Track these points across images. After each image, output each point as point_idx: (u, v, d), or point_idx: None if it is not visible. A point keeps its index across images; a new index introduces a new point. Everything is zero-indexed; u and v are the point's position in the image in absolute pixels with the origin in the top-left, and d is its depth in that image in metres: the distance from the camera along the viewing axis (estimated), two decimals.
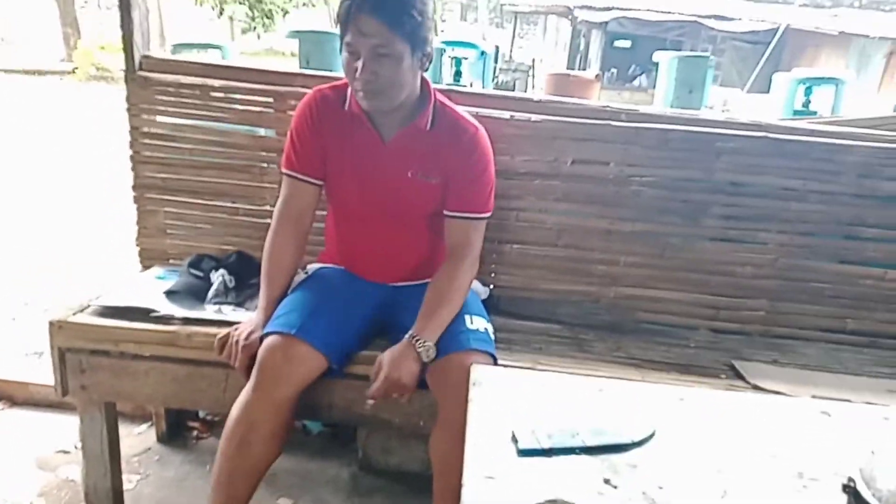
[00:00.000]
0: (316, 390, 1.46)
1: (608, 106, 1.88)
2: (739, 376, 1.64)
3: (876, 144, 1.80)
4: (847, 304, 1.89)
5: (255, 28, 14.76)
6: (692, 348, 1.80)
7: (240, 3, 13.93)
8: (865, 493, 0.84)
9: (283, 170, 1.56)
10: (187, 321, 1.58)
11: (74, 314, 1.58)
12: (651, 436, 1.09)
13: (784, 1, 11.72)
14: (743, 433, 1.13)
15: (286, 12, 14.29)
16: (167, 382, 1.58)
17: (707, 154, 1.80)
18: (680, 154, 1.80)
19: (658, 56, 4.47)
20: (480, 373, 1.28)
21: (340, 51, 1.40)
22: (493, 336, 1.50)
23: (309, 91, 1.57)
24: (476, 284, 1.73)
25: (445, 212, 1.53)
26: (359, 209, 1.57)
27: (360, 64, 1.34)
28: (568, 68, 14.31)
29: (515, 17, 15.29)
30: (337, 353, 1.43)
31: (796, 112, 4.09)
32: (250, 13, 14.16)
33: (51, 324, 1.55)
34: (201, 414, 2.14)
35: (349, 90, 1.48)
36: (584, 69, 13.54)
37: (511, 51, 14.98)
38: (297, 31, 3.16)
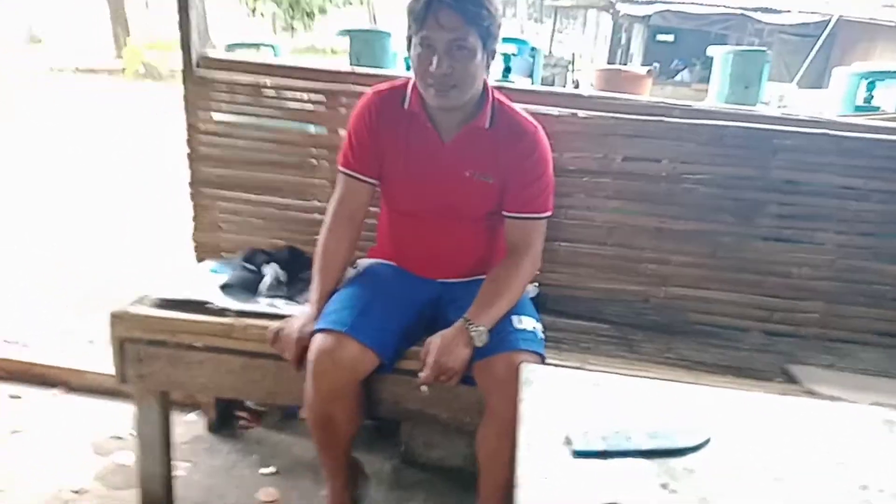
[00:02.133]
0: (365, 386, 1.48)
1: (661, 102, 1.85)
2: (794, 380, 1.60)
3: None
4: None
5: (293, 27, 14.94)
6: (745, 350, 1.76)
7: (278, 3, 14.13)
8: None
9: (340, 167, 1.58)
10: (241, 314, 1.62)
11: (133, 305, 1.64)
12: (707, 441, 1.08)
13: None
14: (801, 440, 1.11)
15: (324, 11, 14.43)
16: (221, 373, 1.62)
17: (763, 151, 1.75)
18: (735, 151, 1.76)
19: (712, 50, 4.36)
20: (531, 372, 1.28)
21: (409, 47, 1.42)
22: (542, 336, 1.50)
23: (364, 89, 1.58)
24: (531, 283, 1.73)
25: (504, 212, 1.53)
26: (414, 207, 1.58)
27: (435, 58, 1.35)
28: (609, 63, 14.13)
29: (555, 12, 15.14)
30: (387, 350, 1.44)
31: (858, 108, 3.94)
32: (291, 12, 14.35)
33: (112, 315, 1.60)
34: (249, 404, 2.19)
35: (409, 89, 1.50)
36: (626, 63, 13.33)
37: (551, 46, 14.85)
38: (348, 30, 3.20)
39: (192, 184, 1.97)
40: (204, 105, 1.90)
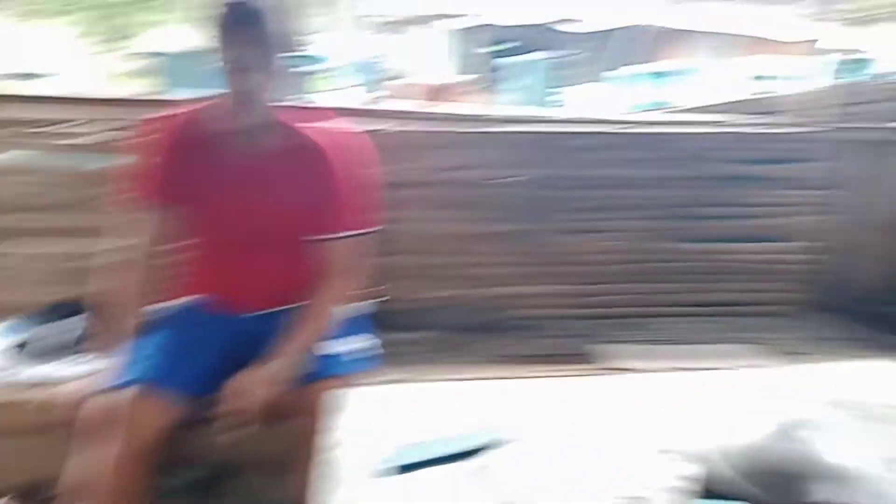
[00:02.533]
0: (174, 440, 1.37)
1: (471, 113, 1.94)
2: (603, 358, 1.73)
3: (711, 130, 1.96)
4: (696, 279, 2.05)
5: (110, 51, 13.80)
6: (558, 337, 1.87)
7: (96, 24, 12.94)
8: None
9: (128, 202, 1.44)
10: (29, 381, 1.44)
11: None
12: (510, 434, 1.12)
13: None
14: (602, 415, 1.20)
15: (142, 31, 13.48)
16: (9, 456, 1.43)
17: (555, 152, 1.89)
18: (537, 153, 1.88)
19: (500, 62, 4.61)
20: (340, 398, 1.25)
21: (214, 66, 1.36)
22: (367, 354, 1.48)
23: (159, 117, 1.48)
24: (356, 302, 1.69)
25: (312, 234, 1.49)
26: (219, 237, 1.49)
27: (230, 79, 1.30)
28: (437, 75, 14.57)
29: (382, 28, 15.34)
30: (195, 397, 1.34)
31: (643, 106, 4.36)
32: (105, 33, 13.21)
33: None
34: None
35: (202, 114, 1.42)
36: (451, 75, 13.83)
37: (380, 60, 15.04)
38: (157, 53, 3.00)
39: None
40: None
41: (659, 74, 4.63)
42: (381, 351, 1.51)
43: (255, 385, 1.30)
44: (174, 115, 1.45)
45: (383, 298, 1.89)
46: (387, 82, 9.03)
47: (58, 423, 1.32)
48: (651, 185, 1.95)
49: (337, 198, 1.49)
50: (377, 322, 1.84)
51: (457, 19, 11.62)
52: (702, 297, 2.06)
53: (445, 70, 11.93)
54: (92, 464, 1.25)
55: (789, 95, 2.16)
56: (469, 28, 11.89)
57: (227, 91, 1.32)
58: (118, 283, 1.40)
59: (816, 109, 1.90)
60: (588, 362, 1.69)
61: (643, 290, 2.02)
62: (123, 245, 1.44)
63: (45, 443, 1.41)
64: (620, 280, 2.00)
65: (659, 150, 1.94)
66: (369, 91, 5.48)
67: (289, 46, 1.39)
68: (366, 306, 1.76)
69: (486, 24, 11.42)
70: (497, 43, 12.78)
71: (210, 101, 1.42)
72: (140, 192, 1.42)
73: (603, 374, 1.58)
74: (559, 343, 1.82)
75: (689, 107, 2.33)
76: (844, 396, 1.22)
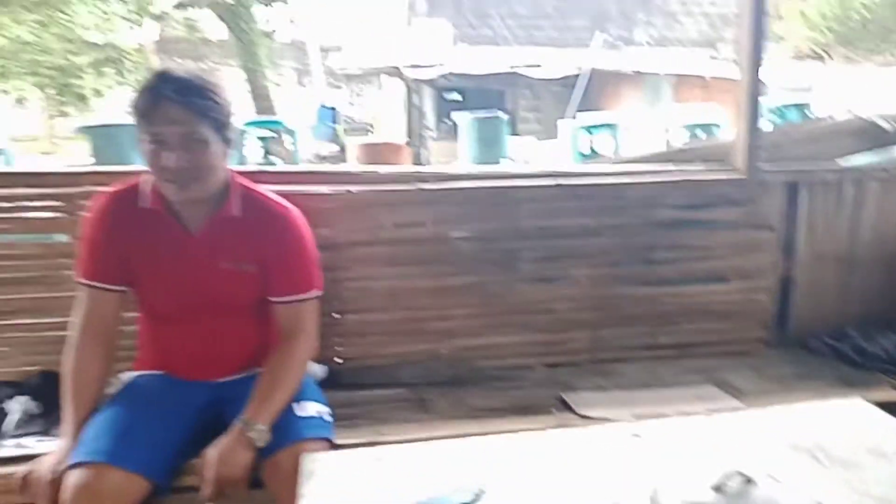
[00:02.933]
0: None
1: (416, 170, 1.98)
2: (569, 408, 1.75)
3: (650, 179, 2.04)
4: (656, 322, 2.10)
5: (65, 112, 13.70)
6: (527, 388, 1.89)
7: (46, 88, 12.87)
8: None
9: (80, 280, 1.45)
10: None
11: None
12: (480, 494, 1.12)
13: (586, 44, 13.07)
14: (565, 470, 1.20)
15: (100, 94, 13.44)
16: None
17: (510, 205, 1.94)
18: (486, 207, 1.93)
19: (456, 117, 4.77)
20: (313, 462, 1.25)
21: (140, 144, 1.36)
22: (328, 418, 1.48)
23: (99, 192, 1.49)
24: (311, 365, 1.71)
25: (271, 298, 1.51)
26: (173, 308, 1.49)
27: (169, 154, 1.31)
28: (408, 124, 14.84)
29: (348, 79, 15.61)
30: (159, 470, 1.33)
31: (584, 156, 4.55)
32: (59, 97, 13.14)
33: None
34: None
35: (146, 186, 1.43)
36: (421, 122, 14.09)
37: (348, 111, 15.27)
38: (87, 127, 3.00)
39: None
40: None
41: (602, 125, 4.84)
42: (335, 414, 1.51)
43: (235, 452, 1.29)
44: (115, 191, 1.46)
45: (340, 359, 1.90)
46: (345, 139, 9.17)
47: (24, 503, 1.29)
48: (604, 233, 2.00)
49: (292, 260, 1.51)
50: (342, 381, 1.85)
51: (422, 69, 11.90)
52: (661, 339, 2.11)
53: (404, 121, 12.13)
54: None
55: (726, 141, 2.26)
56: (432, 79, 12.18)
57: (162, 165, 1.34)
58: (75, 359, 1.40)
59: (751, 152, 1.99)
60: (556, 413, 1.71)
61: (604, 336, 2.06)
62: (78, 321, 1.44)
63: None
64: (581, 327, 2.04)
65: (608, 198, 2.01)
66: (329, 144, 5.55)
67: (230, 112, 1.42)
68: (319, 369, 1.77)
69: (450, 73, 11.71)
70: (458, 91, 13.11)
71: (148, 175, 1.43)
72: (82, 271, 1.43)
73: (572, 426, 1.60)
74: (526, 394, 1.83)
75: (632, 156, 2.41)
76: (805, 439, 1.25)
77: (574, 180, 1.96)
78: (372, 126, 15.38)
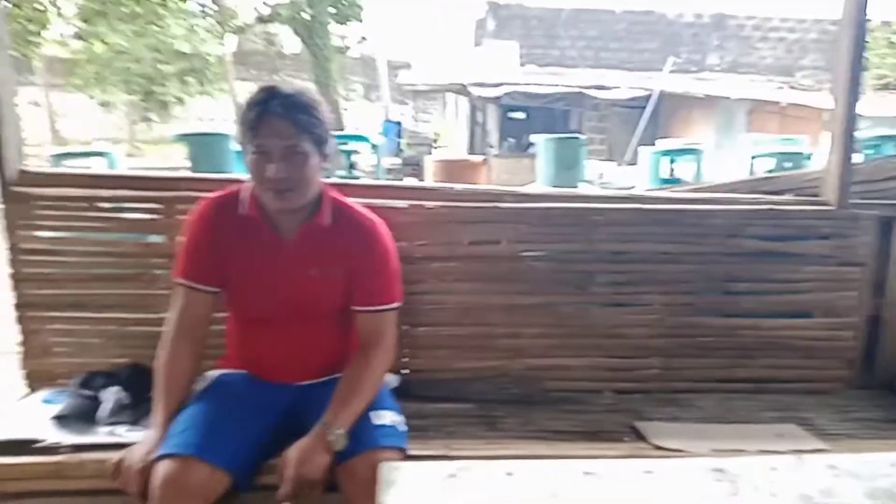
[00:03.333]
0: None
1: (495, 189, 1.99)
2: (642, 437, 1.71)
3: (735, 207, 1.99)
4: (732, 354, 2.03)
5: (149, 118, 14.50)
6: (597, 412, 1.87)
7: (133, 94, 13.68)
8: None
9: (177, 279, 1.53)
10: (77, 448, 1.48)
11: None
12: None
13: (656, 68, 12.91)
14: (644, 502, 1.18)
15: (181, 101, 14.15)
16: None
17: (587, 227, 1.93)
18: (562, 229, 1.92)
19: (535, 138, 4.77)
20: (391, 471, 1.27)
21: (244, 153, 1.44)
22: (403, 428, 1.50)
23: (201, 195, 1.57)
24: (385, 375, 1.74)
25: (354, 307, 1.55)
26: (263, 312, 1.55)
27: (271, 165, 1.38)
28: (469, 141, 14.95)
29: (415, 96, 15.89)
30: (241, 467, 1.37)
31: (664, 181, 4.46)
32: (144, 104, 13.93)
33: None
34: None
35: (245, 193, 1.51)
36: (484, 140, 14.17)
37: (415, 126, 15.51)
38: (185, 135, 3.15)
39: (18, 307, 1.82)
40: (26, 224, 1.78)
41: (684, 151, 4.74)
42: (409, 424, 1.53)
43: (314, 453, 1.33)
44: (217, 197, 1.54)
45: (412, 370, 1.92)
46: (419, 156, 9.28)
47: (115, 487, 1.37)
48: (684, 260, 1.96)
49: (376, 271, 1.56)
50: (412, 393, 1.87)
51: (487, 88, 11.99)
52: (736, 373, 2.04)
53: (466, 138, 12.19)
54: None
55: (812, 171, 2.19)
56: (498, 97, 12.26)
57: (264, 175, 1.41)
58: (167, 354, 1.47)
59: (843, 185, 1.92)
60: (628, 440, 1.68)
61: (677, 366, 2.01)
62: (173, 318, 1.52)
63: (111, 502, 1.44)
64: (654, 354, 2.00)
65: (689, 225, 1.97)
66: (393, 158, 5.66)
67: (329, 128, 1.50)
68: (394, 379, 1.80)
69: (515, 92, 11.76)
70: (523, 110, 13.14)
71: (248, 183, 1.51)
72: (180, 271, 1.51)
73: (645, 455, 1.56)
74: (597, 419, 1.80)
75: (712, 183, 2.36)
76: (883, 486, 1.19)
77: (655, 205, 1.94)
78: (435, 141, 15.57)
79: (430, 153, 11.99)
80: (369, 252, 1.55)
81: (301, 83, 1.46)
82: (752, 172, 3.55)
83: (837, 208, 1.94)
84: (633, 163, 7.30)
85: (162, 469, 1.30)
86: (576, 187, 3.01)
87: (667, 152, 4.60)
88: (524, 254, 1.94)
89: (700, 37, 14.44)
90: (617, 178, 5.69)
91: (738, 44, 14.53)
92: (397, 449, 1.43)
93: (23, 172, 1.79)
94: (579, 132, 10.97)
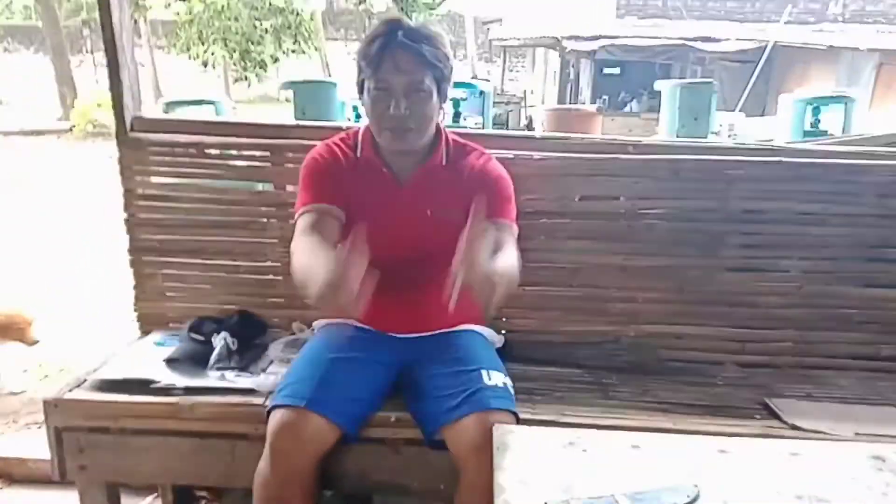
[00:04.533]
0: (328, 459, 1.37)
1: (615, 139, 1.83)
2: (775, 415, 1.55)
3: (893, 163, 1.73)
4: (879, 329, 1.81)
5: (246, 78, 14.95)
6: (721, 386, 1.71)
7: (230, 54, 14.11)
8: None
9: (303, 208, 1.42)
10: (189, 391, 1.50)
11: (71, 390, 1.50)
12: (696, 498, 1.01)
13: (769, 19, 11.87)
14: (792, 486, 1.05)
15: (277, 60, 14.47)
16: (171, 458, 1.49)
17: (720, 183, 1.74)
18: (692, 184, 1.74)
19: (660, 84, 4.44)
20: (505, 434, 1.20)
21: (361, 91, 1.39)
22: (512, 390, 1.42)
23: (311, 143, 1.53)
24: (490, 332, 1.66)
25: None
26: (378, 255, 1.49)
27: (392, 101, 1.32)
28: (559, 98, 14.45)
29: (504, 52, 15.48)
30: (351, 420, 1.34)
31: (806, 133, 4.04)
32: (242, 63, 14.36)
33: (45, 402, 1.47)
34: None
35: (359, 136, 1.45)
36: (576, 98, 13.65)
37: (502, 84, 15.14)
38: (292, 83, 3.14)
39: (131, 251, 1.86)
40: (140, 169, 1.80)
41: (814, 100, 4.27)
42: (516, 387, 1.45)
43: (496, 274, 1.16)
44: (337, 137, 1.49)
45: (516, 331, 1.83)
46: (505, 115, 8.99)
47: (225, 431, 1.37)
48: (830, 222, 1.74)
49: (494, 193, 1.45)
50: (516, 354, 1.79)
51: (582, 41, 11.48)
52: (881, 350, 1.82)
53: (566, 91, 11.79)
54: (262, 478, 1.28)
55: None
56: (592, 51, 11.71)
57: (384, 113, 1.33)
58: (299, 246, 1.35)
59: None
60: (772, 418, 1.52)
61: (817, 340, 1.81)
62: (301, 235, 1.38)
63: (208, 448, 1.47)
64: (791, 326, 1.81)
65: (838, 182, 1.74)
66: (477, 116, 5.49)
67: (451, 66, 1.40)
68: (498, 339, 1.71)
69: (612, 45, 11.19)
70: (619, 64, 12.51)
71: (365, 127, 1.44)
72: (307, 198, 1.43)
73: (779, 435, 1.41)
74: (722, 393, 1.65)
75: (863, 136, 2.08)
76: None
77: (800, 159, 1.72)
78: (523, 100, 15.19)
79: (519, 113, 11.68)
80: (486, 177, 1.48)
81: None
82: None
83: None
84: (754, 111, 6.75)
85: (276, 418, 1.28)
86: (705, 139, 2.77)
87: (812, 100, 4.14)
88: (645, 211, 1.78)
89: None
90: (750, 129, 5.26)
91: None
92: (509, 412, 1.35)
93: (138, 119, 1.81)
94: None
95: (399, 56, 1.32)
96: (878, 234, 1.76)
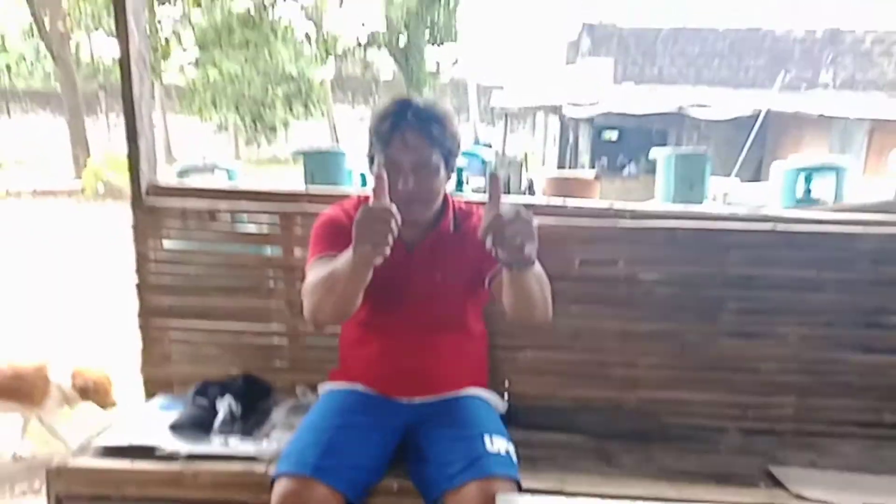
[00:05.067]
0: None
1: (612, 206, 1.88)
2: (778, 484, 1.54)
3: (887, 230, 1.78)
4: (879, 395, 1.82)
5: (257, 140, 15.37)
6: (724, 454, 1.71)
7: (242, 119, 14.55)
8: None
9: (312, 258, 1.44)
10: (192, 457, 1.50)
11: (74, 457, 1.51)
12: None
13: (762, 85, 12.22)
14: None
15: (287, 124, 14.89)
16: None
17: (716, 249, 1.78)
18: (689, 251, 1.79)
19: (655, 153, 4.55)
20: (506, 503, 1.20)
21: (371, 164, 1.46)
22: (515, 457, 1.42)
23: (319, 208, 1.59)
24: (494, 398, 1.67)
25: (492, 275, 1.43)
26: (386, 321, 1.52)
27: (401, 178, 1.39)
28: (559, 161, 14.73)
29: (506, 117, 15.89)
30: (356, 488, 1.34)
31: (798, 201, 4.12)
32: (253, 126, 14.78)
33: (48, 470, 1.47)
34: None
35: (369, 203, 1.49)
36: (575, 161, 13.92)
37: (504, 147, 15.46)
38: (302, 152, 3.24)
39: (141, 314, 1.89)
40: (154, 233, 1.85)
41: (806, 169, 4.37)
42: (523, 451, 1.45)
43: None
44: (347, 202, 1.54)
45: (516, 395, 1.83)
46: (507, 177, 9.12)
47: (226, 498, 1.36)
48: (825, 288, 1.78)
49: None
50: (518, 419, 1.78)
51: (580, 108, 11.81)
52: (883, 417, 1.83)
53: (566, 155, 12.01)
54: None
55: None
56: (591, 117, 12.03)
57: (394, 191, 1.37)
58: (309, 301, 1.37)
59: None
60: (776, 487, 1.51)
61: (818, 406, 1.81)
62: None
63: None
64: (787, 392, 1.81)
65: (832, 249, 1.79)
66: (480, 178, 5.61)
67: (458, 141, 1.47)
68: (501, 404, 1.72)
69: (610, 112, 11.49)
70: (617, 129, 12.82)
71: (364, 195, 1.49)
72: (319, 249, 1.45)
73: None
74: (725, 461, 1.64)
75: (854, 204, 2.14)
76: None
77: (793, 226, 1.77)
78: (524, 162, 15.48)
79: (520, 174, 11.88)
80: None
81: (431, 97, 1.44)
82: None
83: None
84: (749, 178, 6.82)
85: (280, 487, 1.28)
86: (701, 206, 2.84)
87: (803, 169, 4.23)
88: (644, 277, 1.81)
89: (812, 53, 13.58)
90: (744, 196, 5.35)
91: (856, 59, 13.54)
92: (511, 479, 1.35)
93: (153, 185, 1.87)
94: None
95: (408, 135, 1.38)
96: (873, 301, 1.79)
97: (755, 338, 1.81)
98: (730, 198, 5.35)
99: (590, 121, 12.81)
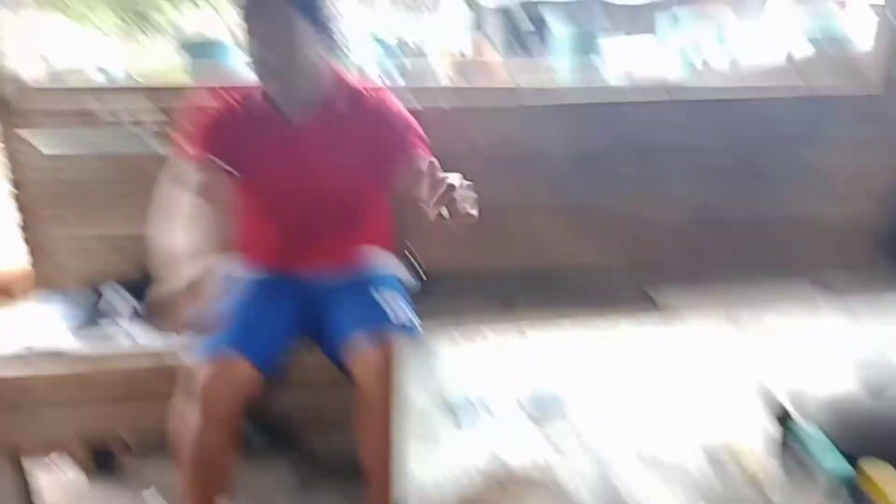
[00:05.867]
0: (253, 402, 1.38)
1: (516, 87, 1.88)
2: (654, 304, 1.69)
3: (773, 95, 1.87)
4: (766, 244, 1.96)
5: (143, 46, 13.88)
6: (612, 288, 1.81)
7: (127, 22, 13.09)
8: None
9: (188, 158, 1.39)
10: (99, 357, 1.47)
11: None
12: (582, 387, 1.07)
13: None
14: (657, 359, 1.13)
15: (175, 25, 13.53)
16: (86, 423, 1.47)
17: (609, 120, 1.83)
18: (583, 123, 1.83)
19: (555, 29, 4.43)
20: (402, 348, 1.19)
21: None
22: (413, 314, 1.45)
23: (208, 91, 1.49)
24: (397, 267, 1.65)
25: (399, 170, 1.42)
26: (278, 203, 1.49)
27: (259, 43, 1.29)
28: (469, 43, 14.25)
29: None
30: (271, 363, 1.36)
31: (699, 63, 4.11)
32: (142, 29, 13.32)
33: None
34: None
35: (251, 91, 1.42)
36: (483, 41, 13.51)
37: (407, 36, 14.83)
38: (186, 44, 3.01)
39: (24, 223, 1.78)
40: (27, 137, 1.71)
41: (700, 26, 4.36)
42: (422, 317, 1.48)
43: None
44: (227, 88, 1.46)
45: (422, 265, 1.87)
46: (417, 58, 8.78)
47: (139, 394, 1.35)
48: (713, 151, 1.87)
49: (398, 124, 1.45)
50: (426, 288, 1.82)
51: None
52: (771, 260, 1.97)
53: (477, 42, 11.58)
54: (192, 430, 1.27)
55: (859, 52, 2.05)
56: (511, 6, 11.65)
57: (266, 70, 1.30)
58: (181, 237, 1.32)
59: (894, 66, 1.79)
60: (651, 307, 1.65)
61: (702, 254, 1.94)
62: (183, 203, 1.37)
63: (136, 406, 1.46)
64: (683, 247, 1.93)
65: (724, 113, 1.86)
66: (401, 67, 5.39)
67: (325, 16, 1.36)
68: (405, 269, 1.74)
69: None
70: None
71: (252, 82, 1.40)
72: (192, 148, 1.40)
73: (662, 322, 1.50)
74: (613, 294, 1.75)
75: (744, 66, 2.22)
76: None
77: (686, 95, 1.83)
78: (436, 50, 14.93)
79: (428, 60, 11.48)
80: (390, 124, 1.45)
81: None
82: (788, 57, 3.19)
83: (882, 92, 1.82)
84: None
85: (206, 368, 1.28)
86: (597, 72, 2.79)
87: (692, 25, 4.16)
88: (547, 151, 1.85)
89: None
90: (634, 54, 5.26)
91: None
92: (407, 328, 1.38)
93: (22, 87, 1.71)
94: None
95: (263, 12, 1.27)
96: (760, 159, 1.89)
97: (648, 201, 1.90)
98: (624, 57, 5.22)
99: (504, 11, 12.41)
